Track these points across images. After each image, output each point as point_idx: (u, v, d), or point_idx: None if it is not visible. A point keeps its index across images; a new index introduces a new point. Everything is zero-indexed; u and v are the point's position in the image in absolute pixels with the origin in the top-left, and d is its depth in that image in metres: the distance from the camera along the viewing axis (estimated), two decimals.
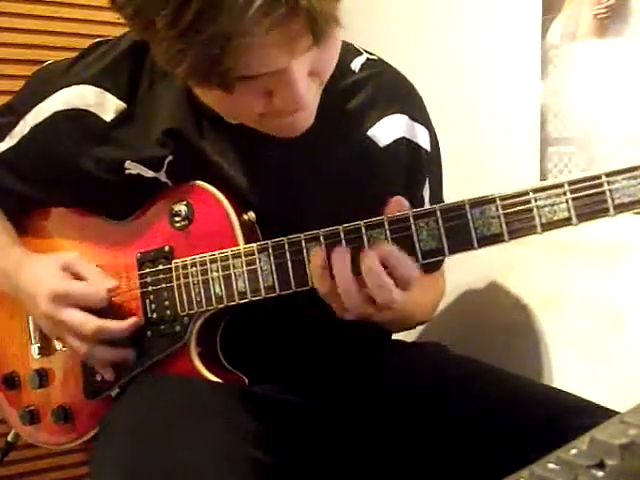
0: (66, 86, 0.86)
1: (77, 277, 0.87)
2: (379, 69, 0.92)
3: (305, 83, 0.69)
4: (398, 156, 0.90)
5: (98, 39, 0.91)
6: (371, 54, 0.94)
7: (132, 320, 0.85)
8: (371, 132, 0.89)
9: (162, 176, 0.85)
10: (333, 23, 0.64)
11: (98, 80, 0.85)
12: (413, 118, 0.91)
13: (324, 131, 0.80)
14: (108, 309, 0.86)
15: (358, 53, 0.92)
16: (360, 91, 0.89)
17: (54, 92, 0.87)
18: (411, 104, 0.93)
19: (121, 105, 0.85)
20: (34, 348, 0.95)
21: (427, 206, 0.92)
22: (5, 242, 0.94)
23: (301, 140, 0.77)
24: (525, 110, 1.16)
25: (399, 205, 0.73)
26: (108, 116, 0.85)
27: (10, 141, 0.91)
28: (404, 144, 0.90)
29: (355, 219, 0.74)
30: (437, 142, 0.97)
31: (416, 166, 0.92)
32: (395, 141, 0.89)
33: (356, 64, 0.91)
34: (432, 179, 0.96)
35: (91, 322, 0.83)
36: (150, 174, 0.85)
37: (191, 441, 0.69)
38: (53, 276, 0.86)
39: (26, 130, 0.89)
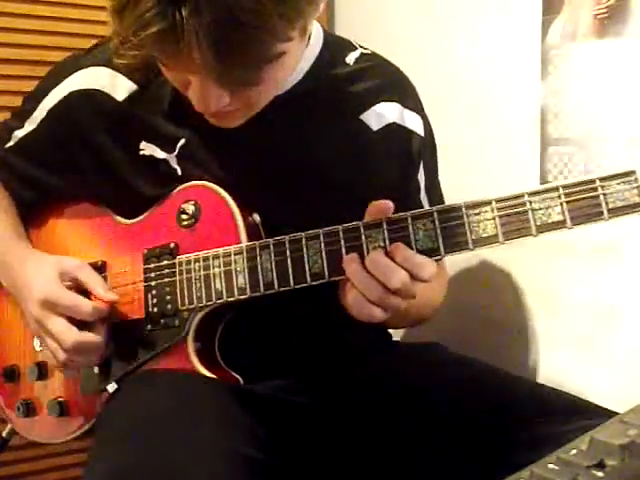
0: (81, 68, 0.90)
1: (76, 284, 0.88)
2: (373, 62, 0.95)
3: (215, 98, 0.72)
4: (390, 141, 0.92)
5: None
6: (365, 48, 0.96)
7: (100, 337, 0.86)
8: (363, 116, 0.91)
9: (172, 160, 0.87)
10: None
11: (112, 62, 0.86)
12: (405, 106, 0.94)
13: (317, 118, 0.85)
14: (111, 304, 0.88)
15: (353, 48, 0.95)
16: (354, 82, 0.92)
17: (70, 75, 0.90)
18: (404, 93, 0.95)
19: (133, 86, 0.88)
20: (36, 341, 0.96)
21: (423, 192, 0.97)
22: (11, 236, 0.95)
23: (298, 126, 0.84)
24: (525, 110, 1.15)
25: (380, 207, 0.74)
26: (120, 96, 0.88)
27: (29, 127, 0.94)
28: (395, 129, 0.92)
29: (349, 207, 0.76)
30: (431, 129, 0.99)
31: (408, 150, 0.94)
32: (386, 126, 0.91)
33: (351, 58, 0.93)
34: (426, 164, 0.97)
35: (71, 336, 0.84)
36: (162, 155, 0.87)
37: (187, 439, 0.69)
38: (48, 281, 0.87)
39: (44, 114, 0.92)
